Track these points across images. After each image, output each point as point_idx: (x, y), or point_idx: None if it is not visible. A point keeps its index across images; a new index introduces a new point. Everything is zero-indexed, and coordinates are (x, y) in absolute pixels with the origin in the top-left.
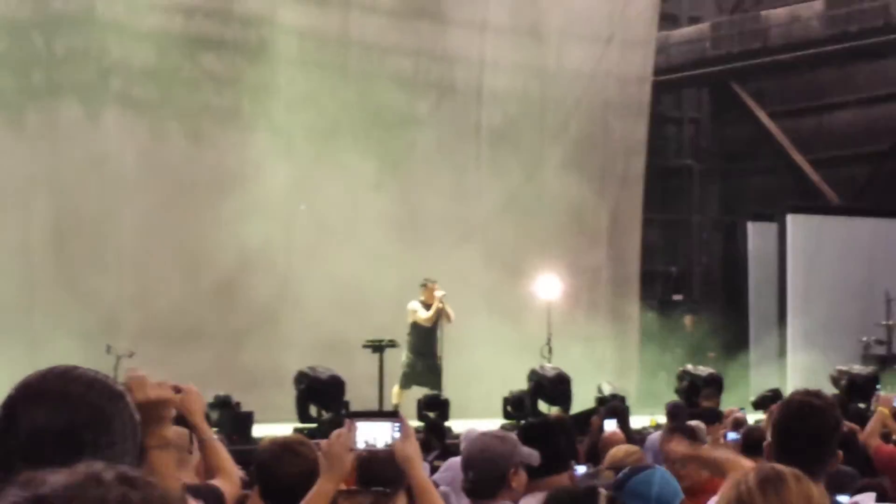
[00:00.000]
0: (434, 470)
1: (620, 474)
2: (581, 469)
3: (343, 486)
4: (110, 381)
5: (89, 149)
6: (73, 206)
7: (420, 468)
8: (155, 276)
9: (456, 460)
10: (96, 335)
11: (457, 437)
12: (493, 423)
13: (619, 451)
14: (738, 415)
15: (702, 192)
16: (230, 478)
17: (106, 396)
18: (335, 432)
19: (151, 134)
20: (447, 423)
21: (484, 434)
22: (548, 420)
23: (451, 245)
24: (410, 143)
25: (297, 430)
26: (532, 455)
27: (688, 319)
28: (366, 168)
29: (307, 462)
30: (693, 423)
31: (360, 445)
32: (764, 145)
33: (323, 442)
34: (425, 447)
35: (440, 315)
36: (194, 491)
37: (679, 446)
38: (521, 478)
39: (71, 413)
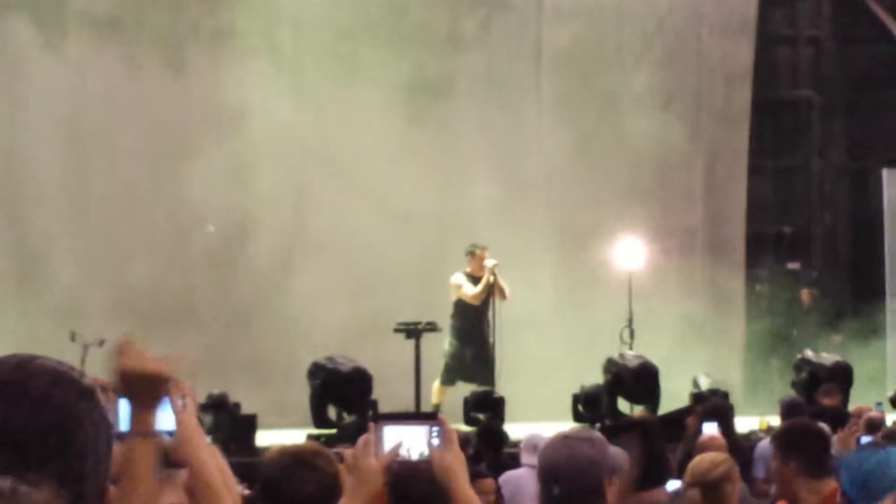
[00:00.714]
0: None
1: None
2: (674, 485)
3: None
4: (77, 376)
5: (45, 82)
6: (26, 154)
7: (465, 483)
8: (129, 244)
9: (514, 475)
10: (57, 320)
11: (515, 444)
12: (560, 426)
13: (703, 462)
14: (874, 414)
15: (823, 131)
16: (225, 498)
17: (73, 394)
18: (362, 439)
19: (123, 63)
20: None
21: (567, 437)
22: (634, 421)
23: (504, 201)
24: (451, 72)
25: (311, 437)
26: (619, 457)
27: (805, 293)
28: (395, 103)
29: (325, 477)
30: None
31: (392, 456)
32: None
33: (346, 452)
34: (476, 459)
35: (492, 291)
36: None
37: None
38: (616, 487)
39: (30, 413)
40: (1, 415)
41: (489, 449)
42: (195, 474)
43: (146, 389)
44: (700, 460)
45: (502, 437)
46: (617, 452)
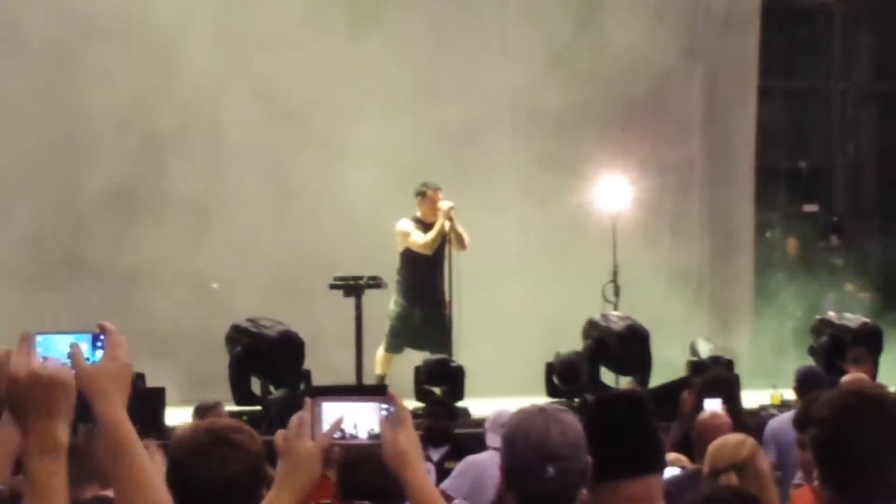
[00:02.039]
0: (443, 475)
1: None
2: (670, 471)
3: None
4: None
5: None
6: None
7: (420, 470)
8: (4, 179)
9: (476, 460)
10: None
11: (478, 423)
12: (532, 402)
13: (727, 443)
14: None
15: (846, 46)
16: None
17: None
18: (295, 418)
19: None
20: (460, 404)
21: (545, 410)
22: (622, 394)
23: (461, 130)
24: None
25: (232, 415)
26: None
27: (791, 243)
28: (336, 14)
29: (247, 458)
30: None
31: (331, 437)
32: None
33: (278, 434)
34: (431, 440)
35: (447, 239)
36: None
37: None
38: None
39: None
40: None
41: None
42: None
43: (40, 397)
44: (723, 443)
45: (454, 413)
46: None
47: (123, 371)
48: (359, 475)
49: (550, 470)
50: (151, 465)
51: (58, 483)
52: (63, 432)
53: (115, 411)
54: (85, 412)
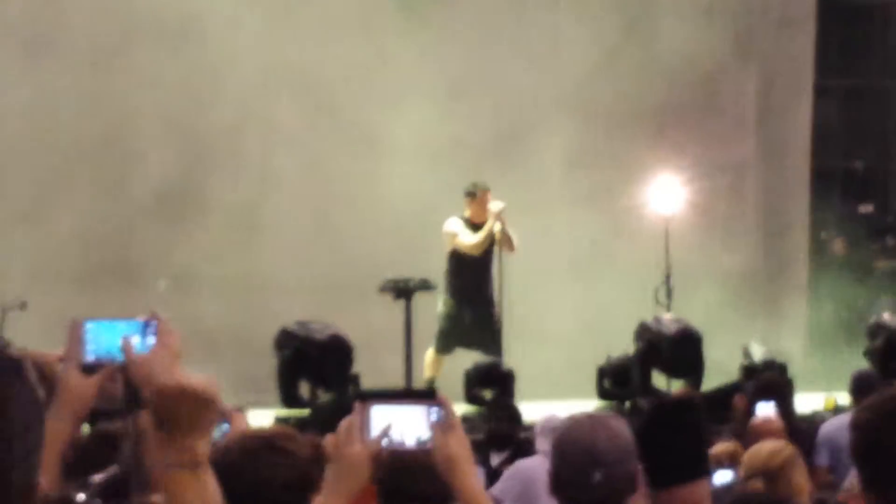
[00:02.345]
0: (493, 479)
1: None
2: (723, 475)
3: None
4: (6, 356)
5: None
6: None
7: (470, 475)
8: (52, 187)
9: (526, 465)
10: None
11: (528, 428)
12: (582, 405)
13: (762, 449)
14: None
15: None
16: None
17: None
18: (345, 423)
19: None
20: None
21: (593, 417)
22: (675, 400)
23: (511, 130)
24: None
25: (279, 420)
26: None
27: (838, 243)
28: (385, 11)
29: (297, 465)
30: None
31: (380, 442)
32: None
33: (328, 438)
34: (493, 444)
35: (496, 241)
36: None
37: None
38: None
39: None
40: None
41: (506, 431)
42: None
43: (188, 410)
44: (758, 448)
45: (517, 417)
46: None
47: (174, 361)
48: (401, 479)
49: (597, 476)
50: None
51: (193, 497)
52: (204, 447)
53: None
54: (135, 400)
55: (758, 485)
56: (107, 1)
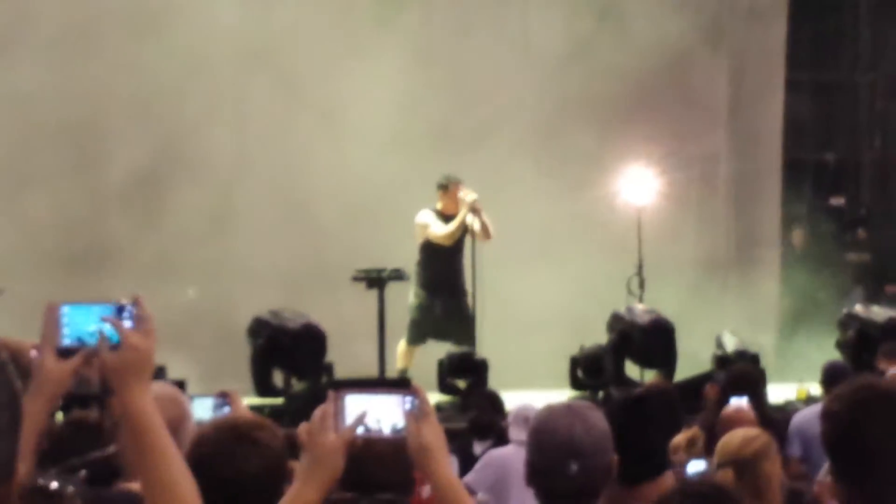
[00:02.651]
0: (466, 467)
1: None
2: (695, 465)
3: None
4: None
5: None
6: None
7: (444, 463)
8: (28, 171)
9: (500, 454)
10: None
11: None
12: (555, 395)
13: (734, 438)
14: None
15: (874, 36)
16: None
17: None
18: (319, 411)
19: None
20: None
21: (572, 406)
22: (644, 394)
23: (485, 120)
24: None
25: (253, 409)
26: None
27: (796, 235)
28: (359, 5)
29: (270, 454)
30: None
31: (355, 431)
32: None
33: (301, 427)
34: (476, 433)
35: (469, 231)
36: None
37: None
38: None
39: None
40: None
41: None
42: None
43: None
44: (731, 437)
45: (500, 406)
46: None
47: (148, 357)
48: (371, 465)
49: (574, 467)
50: (178, 456)
51: None
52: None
53: (139, 401)
54: (107, 391)
55: (728, 474)
56: None
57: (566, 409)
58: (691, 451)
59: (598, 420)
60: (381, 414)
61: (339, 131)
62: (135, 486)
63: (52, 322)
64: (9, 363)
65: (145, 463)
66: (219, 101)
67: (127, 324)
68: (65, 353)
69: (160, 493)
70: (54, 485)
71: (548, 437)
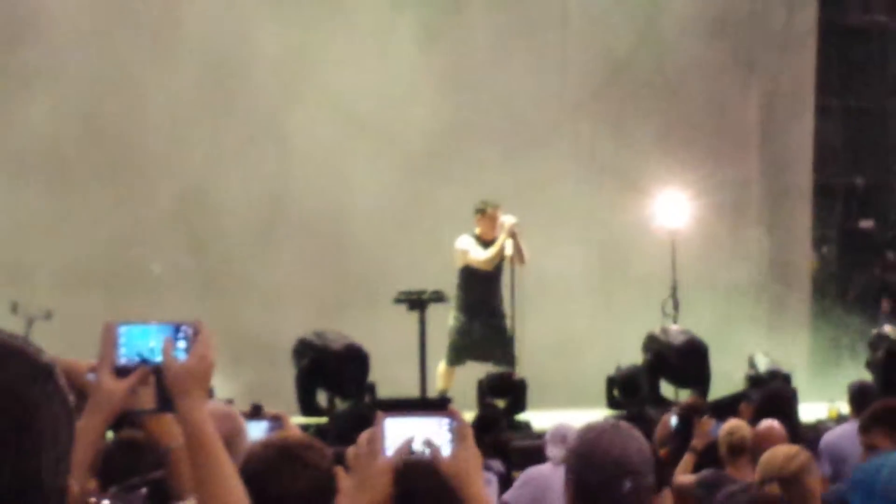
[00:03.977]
0: (506, 486)
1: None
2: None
3: None
4: (33, 351)
5: None
6: None
7: (479, 485)
8: (80, 199)
9: (538, 471)
10: None
11: (539, 436)
12: (593, 414)
13: (778, 454)
14: None
15: None
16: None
17: (28, 375)
18: (366, 434)
19: None
20: (522, 416)
21: (616, 426)
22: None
23: (523, 145)
24: None
25: (300, 427)
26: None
27: (811, 260)
28: (403, 28)
29: (318, 474)
30: None
31: (402, 456)
32: None
33: (350, 450)
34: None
35: (505, 255)
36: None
37: None
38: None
39: None
40: None
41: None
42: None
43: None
44: (774, 453)
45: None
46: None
47: (208, 371)
48: (413, 484)
49: (628, 484)
50: (234, 470)
51: None
52: None
53: (198, 413)
54: (167, 403)
55: (774, 489)
56: (122, 18)
57: (615, 427)
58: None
59: (643, 438)
60: (422, 436)
61: (381, 155)
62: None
63: (109, 341)
64: (65, 385)
65: (202, 475)
66: (260, 125)
67: (182, 344)
68: (122, 371)
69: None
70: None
71: (600, 454)
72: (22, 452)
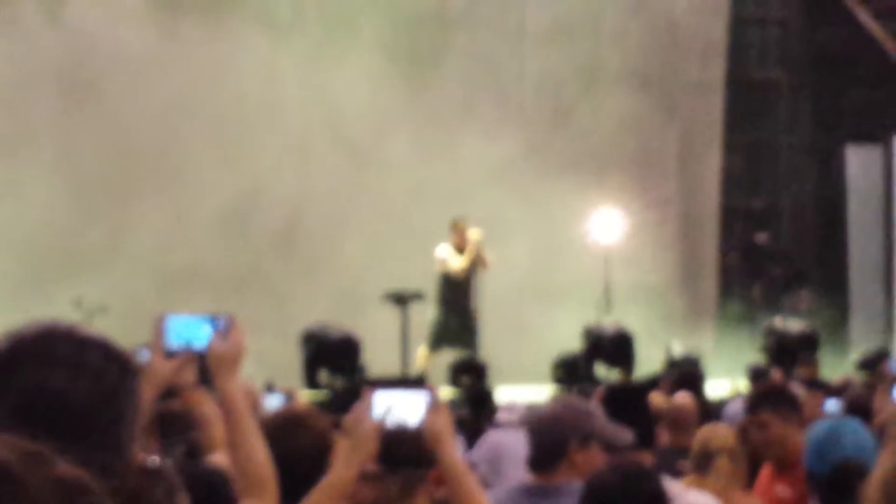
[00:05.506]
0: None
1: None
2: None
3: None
4: (123, 350)
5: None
6: (20, 103)
7: (452, 447)
8: (135, 203)
9: (497, 435)
10: (55, 283)
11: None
12: (540, 389)
13: (719, 429)
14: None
15: (790, 109)
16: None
17: (122, 369)
18: (358, 405)
19: (123, 25)
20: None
21: (556, 399)
22: (631, 385)
23: (488, 174)
24: (441, 47)
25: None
26: (619, 434)
27: (804, 295)
28: (391, 74)
29: (316, 434)
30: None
31: (385, 421)
32: (866, 52)
33: (346, 418)
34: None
35: (475, 260)
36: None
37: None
38: (592, 456)
39: (89, 388)
40: (60, 387)
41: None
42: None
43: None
44: (714, 428)
45: (486, 400)
46: (611, 427)
47: (241, 353)
48: (397, 446)
49: (530, 443)
50: (259, 432)
51: None
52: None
53: (233, 386)
54: (207, 381)
55: (724, 461)
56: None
57: (549, 401)
58: None
59: (558, 411)
60: (406, 407)
61: (378, 176)
62: (217, 458)
63: (159, 329)
64: (138, 369)
65: (235, 436)
66: (286, 149)
67: (218, 332)
68: (170, 354)
69: (245, 460)
70: (154, 460)
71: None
72: (119, 433)
